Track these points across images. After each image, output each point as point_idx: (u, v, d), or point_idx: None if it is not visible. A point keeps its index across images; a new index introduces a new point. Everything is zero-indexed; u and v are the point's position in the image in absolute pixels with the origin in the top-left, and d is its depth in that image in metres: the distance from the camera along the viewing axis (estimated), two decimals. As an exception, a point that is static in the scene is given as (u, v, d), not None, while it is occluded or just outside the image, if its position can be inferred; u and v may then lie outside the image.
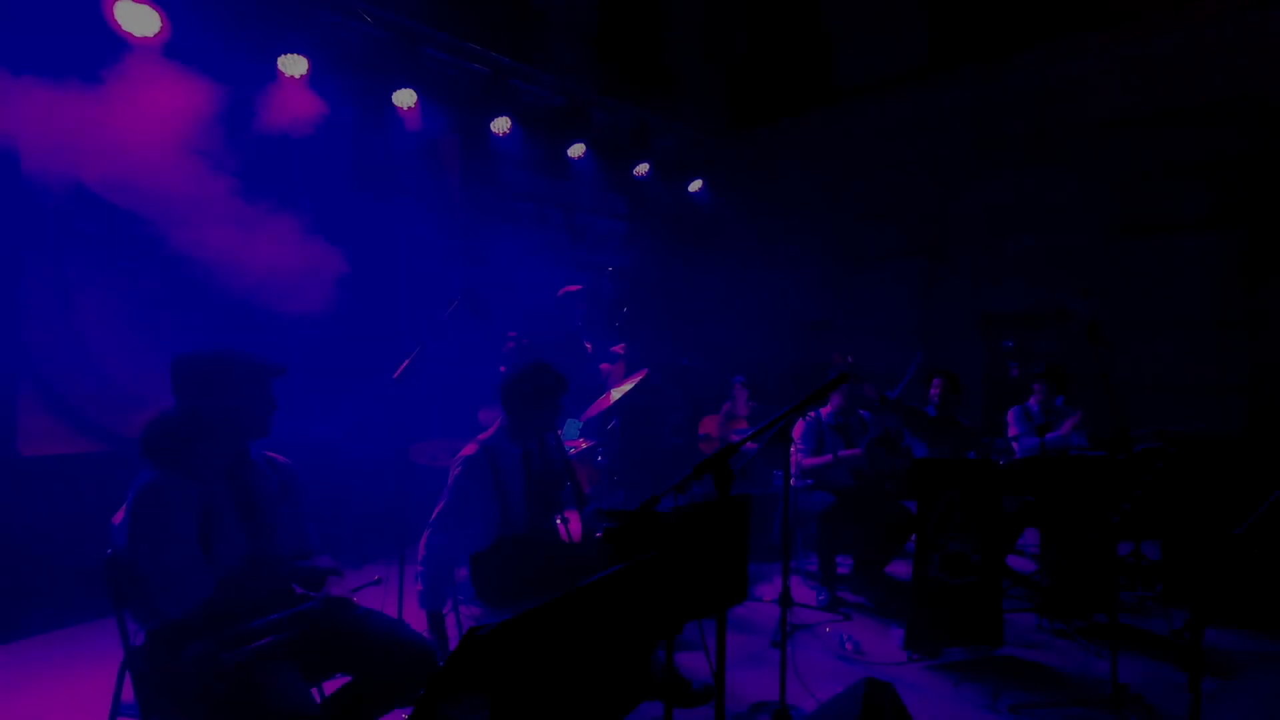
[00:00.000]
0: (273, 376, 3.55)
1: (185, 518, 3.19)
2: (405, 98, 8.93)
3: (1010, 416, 8.06)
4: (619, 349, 8.88)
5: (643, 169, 12.32)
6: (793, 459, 7.17)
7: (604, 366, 8.74)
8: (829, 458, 7.14)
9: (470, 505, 4.71)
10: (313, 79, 8.00)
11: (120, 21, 6.59)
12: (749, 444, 4.03)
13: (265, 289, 7.79)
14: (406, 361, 5.54)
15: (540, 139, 10.88)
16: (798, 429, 7.31)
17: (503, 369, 7.28)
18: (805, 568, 7.59)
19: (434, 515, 4.70)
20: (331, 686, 3.56)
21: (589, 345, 8.60)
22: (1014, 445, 7.93)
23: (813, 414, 7.31)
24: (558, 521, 5.03)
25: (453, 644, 4.68)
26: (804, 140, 14.03)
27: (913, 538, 6.30)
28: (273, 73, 7.79)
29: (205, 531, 3.24)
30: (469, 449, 4.86)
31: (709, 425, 10.15)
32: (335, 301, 8.35)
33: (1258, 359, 9.48)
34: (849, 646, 5.90)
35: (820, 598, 7.03)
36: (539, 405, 4.94)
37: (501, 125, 10.12)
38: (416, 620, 5.57)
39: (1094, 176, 10.70)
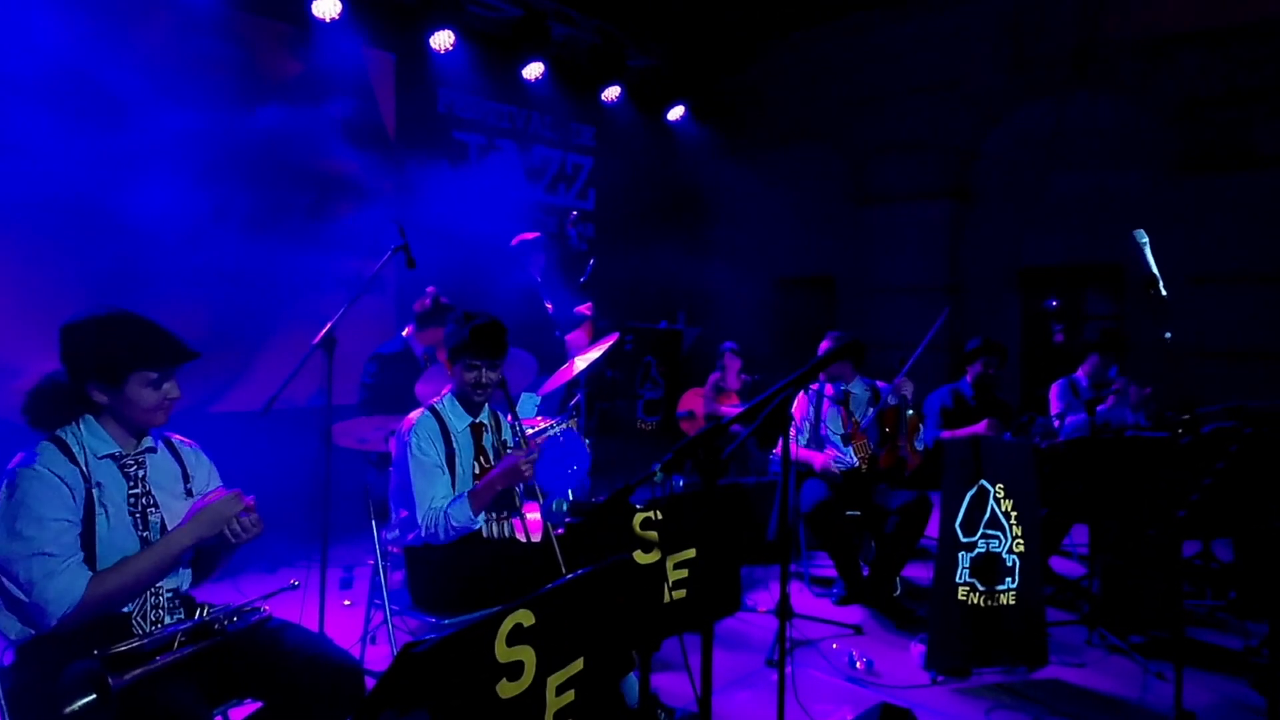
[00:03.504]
0: (181, 361, 3.47)
1: (61, 510, 3.15)
2: (327, 7, 8.80)
3: (1053, 391, 8.05)
4: (584, 309, 8.82)
5: (613, 94, 12.24)
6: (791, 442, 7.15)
7: (569, 336, 8.69)
8: (819, 457, 7.15)
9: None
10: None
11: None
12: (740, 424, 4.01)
13: (160, 241, 7.72)
14: (329, 324, 5.45)
15: (490, 58, 10.79)
16: (799, 406, 7.29)
17: (408, 331, 7.19)
18: (809, 571, 7.58)
19: (422, 502, 4.70)
20: (238, 714, 3.52)
21: (549, 305, 8.54)
22: (1056, 424, 7.93)
23: (815, 387, 7.30)
24: (512, 515, 5.00)
25: (384, 664, 4.64)
26: (807, 60, 13.96)
27: (934, 535, 6.28)
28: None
29: (86, 529, 3.21)
30: (414, 415, 4.88)
31: (692, 401, 10.14)
32: (245, 253, 8.28)
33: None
34: (860, 665, 5.88)
35: (833, 592, 7.08)
36: (469, 359, 4.87)
37: (443, 41, 10.01)
38: (340, 633, 5.53)
39: (1151, 103, 10.69)
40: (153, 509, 3.42)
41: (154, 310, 3.44)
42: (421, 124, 10.51)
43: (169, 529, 3.41)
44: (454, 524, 4.58)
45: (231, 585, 6.53)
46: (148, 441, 3.52)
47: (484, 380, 4.85)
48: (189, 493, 3.59)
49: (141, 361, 3.32)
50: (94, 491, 3.25)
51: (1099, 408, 7.64)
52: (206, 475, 3.73)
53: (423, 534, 4.69)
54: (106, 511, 3.27)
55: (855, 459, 7.20)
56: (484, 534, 4.81)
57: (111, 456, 3.37)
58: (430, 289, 7.11)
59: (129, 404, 3.34)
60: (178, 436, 3.73)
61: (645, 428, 11.26)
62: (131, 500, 3.38)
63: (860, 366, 7.48)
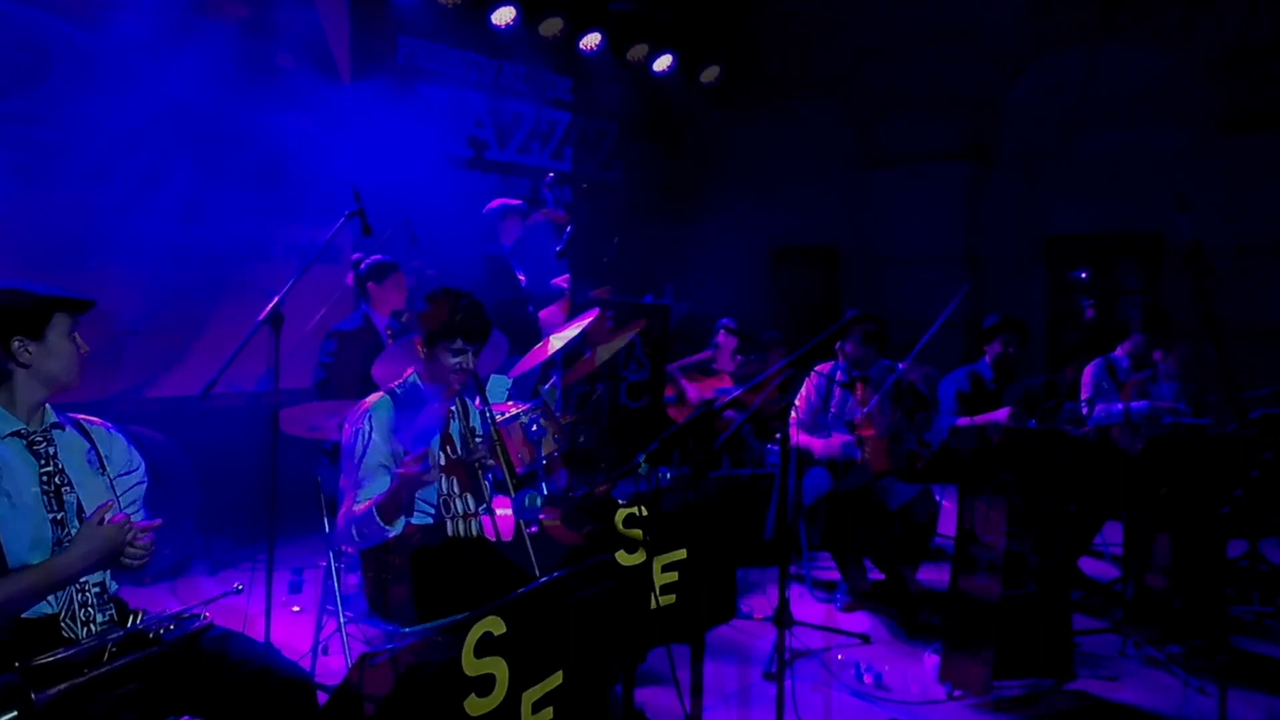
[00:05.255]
0: (71, 314, 3.47)
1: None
2: (272, -59, 8.79)
3: (1088, 374, 8.00)
4: (561, 281, 8.80)
5: (592, 41, 12.20)
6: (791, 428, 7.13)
7: (544, 313, 8.66)
8: (819, 443, 7.14)
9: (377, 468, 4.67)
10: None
11: None
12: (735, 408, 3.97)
13: (88, 208, 7.67)
14: (277, 298, 5.43)
15: (456, 1, 10.74)
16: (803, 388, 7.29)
17: (364, 308, 7.19)
18: (810, 574, 7.57)
19: (349, 499, 4.67)
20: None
21: (522, 277, 8.51)
22: (1085, 410, 7.88)
23: (824, 367, 7.29)
24: (480, 511, 4.99)
25: (338, 678, 4.64)
26: (810, 5, 13.89)
27: (949, 534, 6.28)
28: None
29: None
30: (371, 398, 4.85)
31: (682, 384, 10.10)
32: (183, 220, 8.23)
33: None
34: (868, 678, 5.89)
35: (838, 597, 7.06)
36: (459, 343, 4.86)
37: (403, -20, 10.01)
38: (289, 643, 5.52)
39: (1192, 54, 10.68)
40: (67, 488, 3.42)
41: (84, 286, 3.46)
42: (379, 75, 10.40)
43: (85, 510, 3.40)
44: (364, 532, 4.57)
45: (168, 590, 6.51)
46: (51, 417, 3.52)
47: (469, 365, 4.84)
48: (105, 472, 3.60)
49: (58, 305, 3.41)
50: None
51: (1134, 405, 7.57)
52: (125, 454, 3.74)
53: (340, 535, 4.69)
54: (10, 497, 3.25)
55: (859, 451, 7.20)
56: (449, 532, 4.80)
57: (17, 434, 3.37)
58: (355, 255, 7.12)
59: (53, 357, 3.39)
60: (83, 416, 3.72)
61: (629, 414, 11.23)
62: (44, 479, 3.37)
63: (884, 350, 7.43)
